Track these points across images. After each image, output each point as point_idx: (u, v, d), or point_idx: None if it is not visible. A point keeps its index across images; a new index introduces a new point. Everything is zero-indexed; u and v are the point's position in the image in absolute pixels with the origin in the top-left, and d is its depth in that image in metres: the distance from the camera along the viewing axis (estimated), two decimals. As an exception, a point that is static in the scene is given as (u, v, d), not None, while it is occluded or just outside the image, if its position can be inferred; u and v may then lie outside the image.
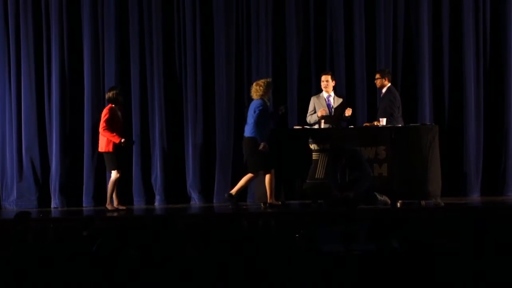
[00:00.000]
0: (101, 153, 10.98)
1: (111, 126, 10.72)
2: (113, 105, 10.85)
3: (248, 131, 10.57)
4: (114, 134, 10.70)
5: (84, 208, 11.88)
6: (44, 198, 12.09)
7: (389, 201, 9.96)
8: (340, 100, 11.00)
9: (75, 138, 12.13)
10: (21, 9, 12.14)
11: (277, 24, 12.15)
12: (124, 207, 10.93)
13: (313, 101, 11.08)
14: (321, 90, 11.07)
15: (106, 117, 10.74)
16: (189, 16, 12.12)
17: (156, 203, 11.99)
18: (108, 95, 10.94)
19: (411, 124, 10.88)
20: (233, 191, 10.62)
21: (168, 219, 7.83)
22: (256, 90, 10.56)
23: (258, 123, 10.44)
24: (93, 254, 5.79)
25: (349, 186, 9.91)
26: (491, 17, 12.04)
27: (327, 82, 10.93)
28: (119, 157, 10.83)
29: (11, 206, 12.02)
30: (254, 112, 10.48)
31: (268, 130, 10.53)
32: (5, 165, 12.20)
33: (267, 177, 10.44)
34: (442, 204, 10.11)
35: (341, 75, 11.88)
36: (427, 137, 10.24)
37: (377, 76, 10.97)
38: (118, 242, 5.94)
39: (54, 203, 12.02)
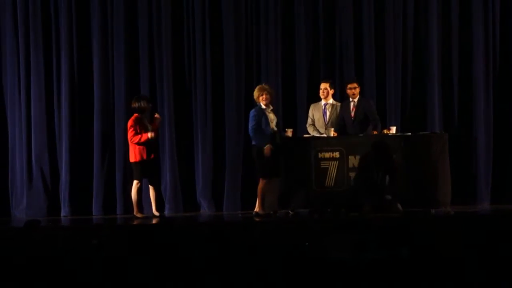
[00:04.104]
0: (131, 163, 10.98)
1: (139, 135, 10.68)
2: (138, 115, 10.83)
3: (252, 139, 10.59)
4: (142, 144, 10.68)
5: (93, 217, 11.90)
6: (53, 207, 12.11)
7: (401, 209, 9.94)
8: (337, 105, 10.90)
9: (84, 147, 12.15)
10: (31, 19, 12.19)
11: (286, 27, 12.17)
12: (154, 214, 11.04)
13: (311, 109, 10.99)
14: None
15: (131, 127, 10.69)
16: (198, 21, 12.16)
17: (166, 212, 11.99)
18: (134, 104, 10.86)
19: (420, 133, 10.84)
20: (257, 209, 10.46)
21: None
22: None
23: (253, 131, 10.41)
24: (102, 262, 5.79)
25: (384, 191, 9.94)
26: (500, 25, 12.04)
27: (325, 90, 10.83)
28: (144, 168, 10.80)
29: (21, 215, 12.04)
30: (250, 121, 10.48)
31: (267, 135, 10.37)
32: (15, 174, 12.24)
33: (262, 184, 10.35)
34: (452, 212, 10.07)
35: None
36: (436, 146, 10.20)
37: (355, 85, 10.66)
38: (127, 250, 5.95)
39: (64, 211, 12.04)
